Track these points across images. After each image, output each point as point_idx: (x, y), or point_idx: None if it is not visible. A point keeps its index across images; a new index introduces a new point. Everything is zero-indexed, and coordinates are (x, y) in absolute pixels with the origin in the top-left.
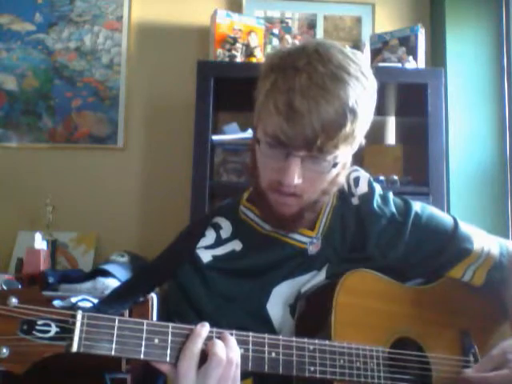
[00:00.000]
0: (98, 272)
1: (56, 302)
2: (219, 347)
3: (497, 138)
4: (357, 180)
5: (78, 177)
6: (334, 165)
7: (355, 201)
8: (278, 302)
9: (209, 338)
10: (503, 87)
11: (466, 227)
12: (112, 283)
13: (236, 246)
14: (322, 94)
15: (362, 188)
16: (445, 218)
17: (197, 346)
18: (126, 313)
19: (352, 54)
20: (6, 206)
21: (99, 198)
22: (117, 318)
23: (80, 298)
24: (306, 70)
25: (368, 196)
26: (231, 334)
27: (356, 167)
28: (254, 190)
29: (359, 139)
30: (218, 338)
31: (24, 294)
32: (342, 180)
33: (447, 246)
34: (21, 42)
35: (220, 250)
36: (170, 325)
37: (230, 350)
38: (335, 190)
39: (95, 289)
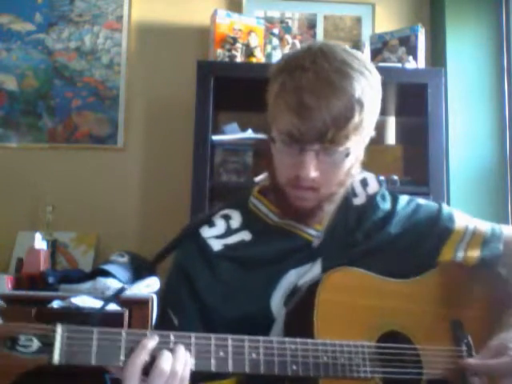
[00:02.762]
0: (98, 272)
1: (56, 303)
2: (162, 359)
3: (497, 138)
4: (364, 181)
5: (78, 177)
6: (347, 155)
7: (360, 200)
8: (280, 291)
9: (160, 349)
10: (503, 87)
11: (448, 209)
12: (112, 283)
13: (245, 236)
14: (330, 89)
15: (373, 187)
16: (430, 204)
17: (140, 358)
18: (126, 313)
19: (355, 52)
20: (5, 206)
21: (99, 198)
22: (95, 330)
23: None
24: (312, 69)
25: (376, 194)
26: (209, 338)
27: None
28: (271, 188)
29: (368, 130)
30: (170, 349)
31: (6, 311)
32: (356, 171)
33: (431, 229)
34: (21, 42)
35: (230, 240)
36: (148, 332)
37: (176, 362)
38: (350, 181)
39: (95, 289)
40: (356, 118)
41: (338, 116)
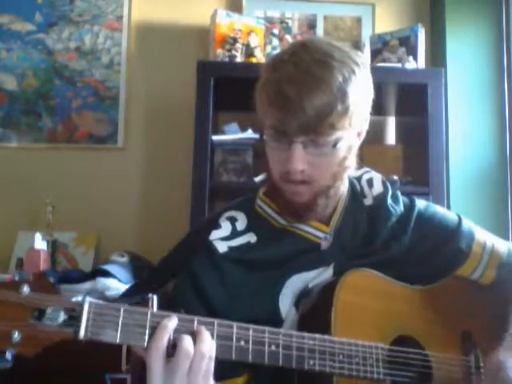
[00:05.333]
0: (98, 272)
1: None
2: (186, 340)
3: (497, 138)
4: (370, 181)
5: (78, 177)
6: (334, 145)
7: (368, 201)
8: (288, 293)
9: (183, 331)
10: (503, 87)
11: (468, 224)
12: (112, 283)
13: (251, 238)
14: (308, 79)
15: (377, 188)
16: (449, 215)
17: (162, 338)
18: None
19: (341, 44)
20: (5, 206)
21: (99, 198)
22: (122, 308)
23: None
24: (292, 61)
25: (382, 195)
26: (232, 327)
27: (367, 169)
28: (269, 187)
29: (358, 120)
30: (192, 331)
31: (35, 283)
32: (351, 164)
33: (449, 243)
34: (21, 42)
35: (235, 242)
36: (175, 315)
37: (201, 344)
38: (346, 174)
39: (95, 289)
40: (339, 108)
41: (318, 105)
